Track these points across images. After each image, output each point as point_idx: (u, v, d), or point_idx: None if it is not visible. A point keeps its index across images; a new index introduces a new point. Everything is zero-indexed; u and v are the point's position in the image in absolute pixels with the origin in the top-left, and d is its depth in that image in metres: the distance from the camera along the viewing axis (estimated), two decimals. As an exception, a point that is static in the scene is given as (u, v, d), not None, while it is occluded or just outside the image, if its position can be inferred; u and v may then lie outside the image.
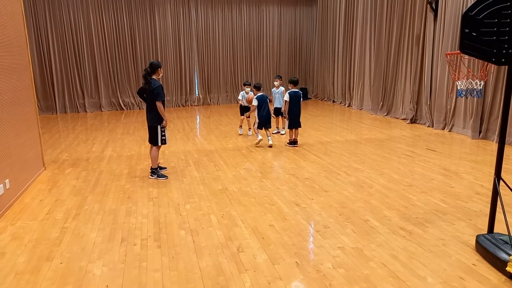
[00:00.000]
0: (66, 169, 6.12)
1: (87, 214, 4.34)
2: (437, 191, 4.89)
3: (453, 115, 8.47)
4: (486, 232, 3.51)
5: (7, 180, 4.50)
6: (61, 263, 3.30)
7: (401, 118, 10.15)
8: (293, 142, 7.30)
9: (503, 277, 2.97)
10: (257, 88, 7.58)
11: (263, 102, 7.30)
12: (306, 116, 10.86)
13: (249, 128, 8.56)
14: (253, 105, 7.39)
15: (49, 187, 5.26)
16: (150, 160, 5.71)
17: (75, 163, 6.42)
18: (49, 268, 3.23)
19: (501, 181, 3.35)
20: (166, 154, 6.88)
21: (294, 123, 7.22)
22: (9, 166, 4.62)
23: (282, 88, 8.19)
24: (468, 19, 3.07)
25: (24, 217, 4.28)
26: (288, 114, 7.25)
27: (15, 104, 4.98)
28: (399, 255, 3.34)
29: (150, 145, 5.56)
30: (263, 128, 7.38)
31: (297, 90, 7.28)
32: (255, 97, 7.39)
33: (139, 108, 12.98)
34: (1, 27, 4.67)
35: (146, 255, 3.41)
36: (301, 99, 7.26)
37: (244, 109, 8.38)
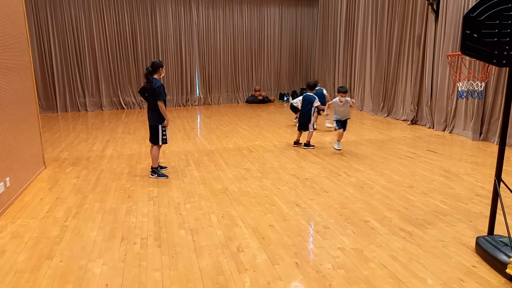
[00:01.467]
0: (66, 167, 6.13)
1: (87, 212, 4.35)
2: (438, 192, 4.89)
3: (454, 116, 8.47)
4: (486, 234, 3.51)
5: (7, 178, 4.51)
6: (61, 262, 3.30)
7: (402, 119, 10.14)
8: (306, 144, 7.24)
9: (503, 279, 2.97)
10: (311, 86, 7.44)
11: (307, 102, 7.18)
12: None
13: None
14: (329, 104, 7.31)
15: (49, 186, 5.27)
16: (150, 159, 5.71)
17: (76, 162, 6.43)
18: (49, 266, 3.23)
19: (501, 183, 3.35)
20: (167, 154, 6.88)
21: (301, 126, 7.27)
22: (9, 165, 4.63)
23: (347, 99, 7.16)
24: (469, 20, 3.07)
25: (24, 215, 4.29)
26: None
27: (16, 102, 4.99)
28: (399, 256, 3.34)
29: (150, 144, 5.57)
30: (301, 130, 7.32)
31: (311, 94, 7.21)
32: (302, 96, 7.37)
33: (140, 108, 12.99)
34: (2, 26, 4.67)
35: (146, 254, 3.41)
36: (311, 103, 7.08)
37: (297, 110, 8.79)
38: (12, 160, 4.71)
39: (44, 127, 9.41)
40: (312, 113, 7.16)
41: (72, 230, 3.91)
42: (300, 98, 7.95)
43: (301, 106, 7.28)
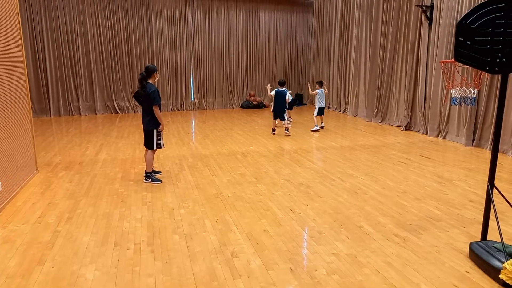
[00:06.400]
0: (59, 172, 6.07)
1: (80, 217, 4.31)
2: (431, 198, 4.91)
3: (447, 122, 8.53)
4: (479, 240, 3.53)
5: (-1, 183, 4.46)
6: (52, 267, 3.26)
7: (396, 125, 10.20)
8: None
9: (496, 285, 2.98)
10: (281, 84, 9.35)
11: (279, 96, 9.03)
12: (300, 121, 10.90)
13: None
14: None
15: (41, 190, 5.22)
16: (144, 164, 5.68)
17: (69, 166, 6.38)
18: (41, 272, 3.19)
19: (494, 188, 3.37)
20: (161, 158, 6.85)
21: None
22: (1, 169, 4.58)
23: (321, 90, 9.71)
24: (462, 27, 3.11)
25: (16, 220, 4.24)
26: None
27: (8, 106, 4.95)
28: (393, 261, 3.34)
29: (145, 148, 5.54)
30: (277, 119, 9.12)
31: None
32: (274, 90, 9.19)
33: (134, 112, 12.95)
34: (-4, 29, 4.65)
35: (139, 260, 3.38)
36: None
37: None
38: (4, 164, 4.66)
39: (37, 131, 9.33)
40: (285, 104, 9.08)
41: (64, 235, 3.87)
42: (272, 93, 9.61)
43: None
